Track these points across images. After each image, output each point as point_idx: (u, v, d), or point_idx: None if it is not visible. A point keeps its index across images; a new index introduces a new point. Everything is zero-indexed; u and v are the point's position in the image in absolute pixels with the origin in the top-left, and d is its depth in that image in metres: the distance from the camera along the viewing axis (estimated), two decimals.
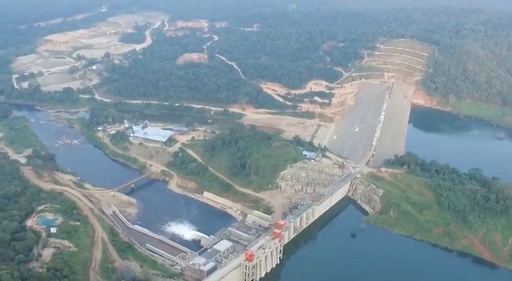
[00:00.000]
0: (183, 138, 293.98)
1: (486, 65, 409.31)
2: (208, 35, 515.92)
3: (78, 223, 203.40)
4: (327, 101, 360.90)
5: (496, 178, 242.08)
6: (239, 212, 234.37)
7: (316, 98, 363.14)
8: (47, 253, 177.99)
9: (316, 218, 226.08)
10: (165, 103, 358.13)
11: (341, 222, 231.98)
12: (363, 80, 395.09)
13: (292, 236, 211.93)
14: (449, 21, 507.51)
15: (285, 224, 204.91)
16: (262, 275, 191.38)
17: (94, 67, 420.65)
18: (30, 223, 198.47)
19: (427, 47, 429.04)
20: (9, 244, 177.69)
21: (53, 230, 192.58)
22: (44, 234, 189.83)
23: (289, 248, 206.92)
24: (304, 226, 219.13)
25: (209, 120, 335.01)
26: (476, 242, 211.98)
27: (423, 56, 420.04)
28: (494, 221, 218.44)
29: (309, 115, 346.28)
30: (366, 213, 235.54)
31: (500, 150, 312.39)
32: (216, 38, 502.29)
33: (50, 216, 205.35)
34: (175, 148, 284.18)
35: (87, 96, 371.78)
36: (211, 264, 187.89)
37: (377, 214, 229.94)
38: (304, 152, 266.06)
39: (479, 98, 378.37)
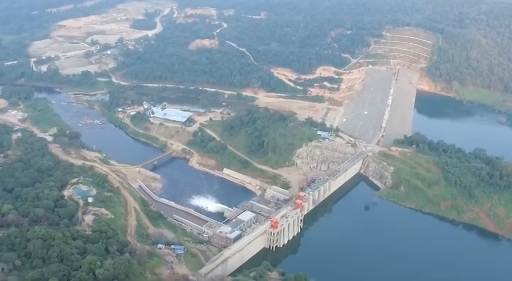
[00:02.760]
0: (201, 119, 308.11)
1: (488, 53, 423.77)
2: (217, 22, 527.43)
3: (111, 194, 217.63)
4: (336, 86, 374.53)
5: (499, 157, 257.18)
6: (258, 187, 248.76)
7: (326, 83, 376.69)
8: (88, 219, 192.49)
9: (332, 192, 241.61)
10: (181, 86, 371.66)
11: (354, 196, 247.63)
12: (370, 66, 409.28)
13: (311, 208, 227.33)
14: (452, 11, 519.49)
15: (305, 196, 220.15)
16: (285, 242, 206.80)
17: (109, 52, 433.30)
18: (66, 193, 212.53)
19: (432, 36, 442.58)
20: (52, 210, 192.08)
21: (90, 199, 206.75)
22: (82, 203, 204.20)
23: (308, 219, 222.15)
24: (322, 199, 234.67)
25: (223, 103, 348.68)
26: (481, 215, 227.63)
27: (428, 44, 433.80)
28: (498, 196, 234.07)
29: (319, 99, 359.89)
30: (377, 189, 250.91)
31: (502, 133, 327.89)
32: (225, 25, 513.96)
33: (84, 187, 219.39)
34: (194, 127, 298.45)
35: (104, 79, 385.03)
36: (237, 232, 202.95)
37: (388, 189, 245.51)
38: (318, 132, 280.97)
39: (482, 84, 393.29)
